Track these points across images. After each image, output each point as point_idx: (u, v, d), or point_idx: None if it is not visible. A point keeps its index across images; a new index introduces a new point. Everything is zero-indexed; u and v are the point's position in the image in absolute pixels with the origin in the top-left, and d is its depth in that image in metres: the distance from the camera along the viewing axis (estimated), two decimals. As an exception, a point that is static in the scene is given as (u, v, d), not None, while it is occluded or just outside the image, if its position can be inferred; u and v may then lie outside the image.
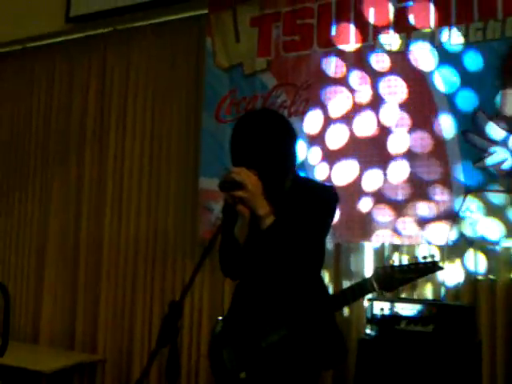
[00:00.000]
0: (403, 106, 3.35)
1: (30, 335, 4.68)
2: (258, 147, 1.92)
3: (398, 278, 1.83)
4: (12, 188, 4.96)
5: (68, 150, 4.69)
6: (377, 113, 3.43)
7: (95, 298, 4.42)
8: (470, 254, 3.21)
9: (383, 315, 2.99)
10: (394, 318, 2.96)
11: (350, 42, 3.51)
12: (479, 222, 3.09)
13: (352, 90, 3.50)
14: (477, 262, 3.20)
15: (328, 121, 3.55)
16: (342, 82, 3.52)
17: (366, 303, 3.14)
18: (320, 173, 3.54)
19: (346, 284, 3.50)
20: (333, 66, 3.55)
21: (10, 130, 5.04)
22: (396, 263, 1.85)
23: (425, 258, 1.83)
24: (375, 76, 3.44)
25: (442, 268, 1.87)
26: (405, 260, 1.87)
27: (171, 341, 1.54)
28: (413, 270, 1.82)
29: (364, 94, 3.46)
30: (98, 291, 4.41)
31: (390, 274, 1.84)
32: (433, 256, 1.83)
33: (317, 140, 3.56)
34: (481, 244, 3.11)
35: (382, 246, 3.44)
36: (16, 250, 4.88)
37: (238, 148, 1.98)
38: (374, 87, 3.44)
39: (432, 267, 1.82)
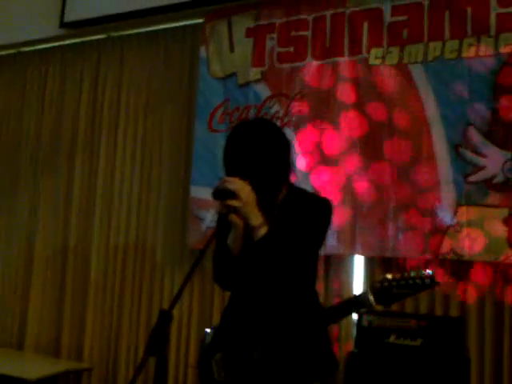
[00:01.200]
0: (395, 119, 3.35)
1: (16, 342, 4.62)
2: (252, 157, 1.91)
3: (395, 293, 1.80)
4: (1, 195, 4.91)
5: (58, 157, 4.66)
6: (369, 124, 3.43)
7: (82, 306, 4.38)
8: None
9: (372, 328, 2.98)
10: (383, 331, 2.95)
11: (344, 54, 3.53)
12: (470, 236, 3.10)
13: (344, 102, 3.50)
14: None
15: (320, 132, 3.55)
16: (336, 93, 3.52)
17: (355, 316, 3.13)
18: (311, 182, 3.53)
19: (333, 296, 3.50)
20: (327, 78, 3.56)
21: (-1, 135, 5.02)
22: (392, 277, 1.82)
23: (421, 272, 1.81)
24: (368, 89, 3.45)
25: (438, 284, 1.85)
26: (397, 275, 1.82)
27: (159, 349, 1.52)
28: (410, 286, 1.80)
29: (356, 106, 3.47)
30: (85, 299, 4.37)
31: (388, 288, 1.81)
32: (429, 272, 1.81)
33: (309, 149, 3.56)
34: (471, 257, 3.11)
35: (372, 258, 3.45)
36: (3, 257, 4.82)
37: (232, 157, 1.96)
38: (367, 98, 3.44)
39: (429, 283, 1.80)
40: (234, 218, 1.90)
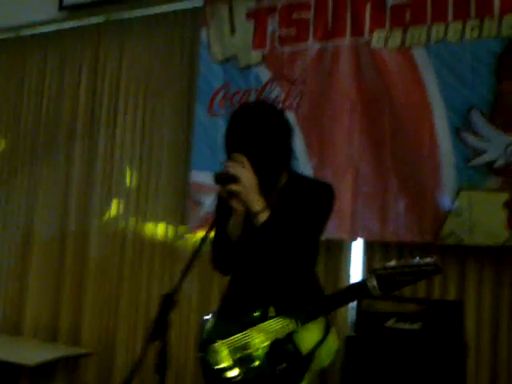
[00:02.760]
0: (397, 103, 3.33)
1: (14, 327, 4.62)
2: (254, 140, 1.89)
3: (399, 280, 1.78)
4: (-1, 180, 4.91)
5: (58, 141, 4.64)
6: (370, 109, 3.41)
7: (80, 291, 4.38)
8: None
9: (371, 312, 2.98)
10: (382, 315, 2.95)
11: (346, 36, 3.49)
12: (470, 220, 3.09)
13: (346, 86, 3.47)
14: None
15: (321, 116, 3.53)
16: (337, 76, 3.49)
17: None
18: (312, 167, 3.52)
19: (332, 281, 3.51)
20: (328, 61, 3.53)
21: (-2, 119, 4.99)
22: (396, 264, 1.79)
23: (424, 259, 1.79)
24: (369, 72, 3.42)
25: (442, 271, 1.83)
26: (402, 260, 1.79)
27: (162, 334, 1.52)
28: (414, 273, 1.78)
29: (358, 90, 3.45)
30: (83, 284, 4.38)
31: (392, 275, 1.79)
32: (433, 259, 1.79)
33: (309, 135, 3.54)
34: (470, 241, 3.11)
35: (371, 243, 3.45)
36: (1, 242, 4.82)
37: (233, 141, 1.94)
38: (368, 83, 3.42)
39: (433, 270, 1.78)
40: (234, 203, 1.89)
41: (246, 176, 1.84)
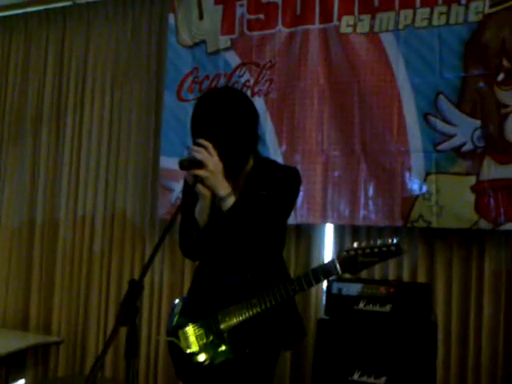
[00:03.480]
0: (365, 88, 3.35)
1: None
2: (220, 126, 1.89)
3: (361, 261, 1.83)
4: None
5: (24, 127, 4.56)
6: (339, 94, 3.42)
7: (50, 279, 4.34)
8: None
9: (342, 295, 3.02)
10: (353, 298, 2.99)
11: (315, 22, 3.49)
12: (438, 204, 3.14)
13: (315, 71, 3.48)
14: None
15: (291, 101, 3.53)
16: (306, 61, 3.49)
17: (324, 283, 3.16)
18: (281, 151, 3.52)
19: (303, 265, 3.54)
20: (297, 47, 3.52)
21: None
22: (358, 246, 1.84)
23: (386, 241, 1.84)
24: (338, 57, 3.42)
25: (404, 252, 1.88)
26: (366, 243, 1.84)
27: (130, 320, 1.51)
28: (376, 254, 1.82)
29: (327, 75, 3.45)
30: (53, 271, 4.33)
31: (354, 257, 1.83)
32: (395, 240, 1.84)
33: (279, 120, 3.54)
34: (439, 225, 3.15)
35: (342, 227, 3.48)
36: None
37: (200, 125, 1.94)
38: (337, 68, 3.43)
39: (395, 251, 1.83)
40: (200, 187, 1.89)
41: (211, 161, 1.84)
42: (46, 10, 4.56)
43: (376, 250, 1.83)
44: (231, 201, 1.88)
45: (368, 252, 1.83)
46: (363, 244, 1.85)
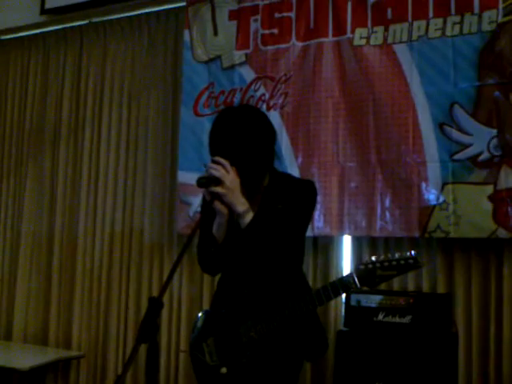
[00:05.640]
0: (380, 99, 3.36)
1: (3, 332, 4.58)
2: (237, 143, 1.92)
3: (379, 274, 1.83)
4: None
5: (42, 144, 4.62)
6: (354, 105, 3.43)
7: (69, 294, 4.36)
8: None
9: (361, 307, 3.01)
10: (372, 309, 2.99)
11: (329, 35, 3.51)
12: (456, 213, 3.12)
13: (330, 83, 3.49)
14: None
15: (306, 114, 3.55)
16: (321, 74, 3.51)
17: (343, 295, 3.16)
18: (298, 164, 3.53)
19: (321, 277, 3.53)
20: (311, 60, 3.55)
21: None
22: (377, 259, 1.84)
23: (405, 254, 1.83)
24: (352, 69, 3.44)
25: (422, 265, 1.88)
26: (383, 255, 1.85)
27: (150, 338, 1.53)
28: (394, 267, 1.82)
29: (341, 88, 3.46)
30: (72, 287, 4.36)
31: (372, 270, 1.83)
32: (413, 252, 1.84)
33: (294, 133, 3.56)
34: (457, 235, 3.14)
35: (359, 238, 3.47)
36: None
37: (217, 143, 1.97)
38: (351, 80, 3.44)
39: (413, 264, 1.82)
40: (218, 204, 1.92)
41: (228, 178, 1.86)
42: (63, 28, 4.64)
43: (394, 263, 1.83)
44: (249, 217, 1.90)
45: (386, 265, 1.83)
46: (381, 257, 1.85)
